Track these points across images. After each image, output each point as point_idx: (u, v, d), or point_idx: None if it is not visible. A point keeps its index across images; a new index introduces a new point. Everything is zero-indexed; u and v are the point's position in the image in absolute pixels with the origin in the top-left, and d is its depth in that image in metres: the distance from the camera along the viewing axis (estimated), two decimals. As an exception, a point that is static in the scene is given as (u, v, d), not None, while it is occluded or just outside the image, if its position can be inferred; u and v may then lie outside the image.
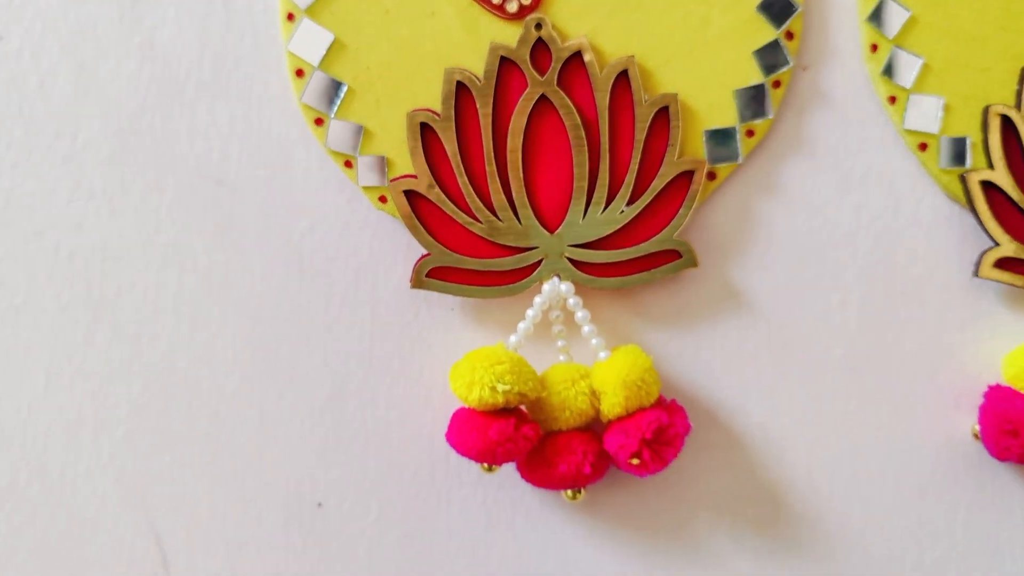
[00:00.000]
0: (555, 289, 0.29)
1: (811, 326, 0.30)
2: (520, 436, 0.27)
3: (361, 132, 0.29)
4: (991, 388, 0.30)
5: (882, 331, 0.30)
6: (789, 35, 0.29)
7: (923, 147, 0.30)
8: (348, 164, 0.29)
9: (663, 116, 0.29)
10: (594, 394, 0.28)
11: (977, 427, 0.30)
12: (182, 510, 0.31)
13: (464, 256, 0.29)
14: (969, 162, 0.30)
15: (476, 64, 0.29)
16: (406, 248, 0.30)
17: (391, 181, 0.29)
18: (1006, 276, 0.29)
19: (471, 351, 0.28)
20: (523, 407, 0.29)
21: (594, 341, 0.29)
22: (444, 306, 0.30)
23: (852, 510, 0.31)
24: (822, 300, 0.30)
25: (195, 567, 0.31)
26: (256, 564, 0.31)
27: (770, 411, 0.30)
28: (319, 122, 0.29)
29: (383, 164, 0.29)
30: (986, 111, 0.29)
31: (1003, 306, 0.30)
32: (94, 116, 0.29)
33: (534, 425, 0.28)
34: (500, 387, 0.27)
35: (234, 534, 0.31)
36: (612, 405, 0.28)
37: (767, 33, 0.29)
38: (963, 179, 0.29)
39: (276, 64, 0.29)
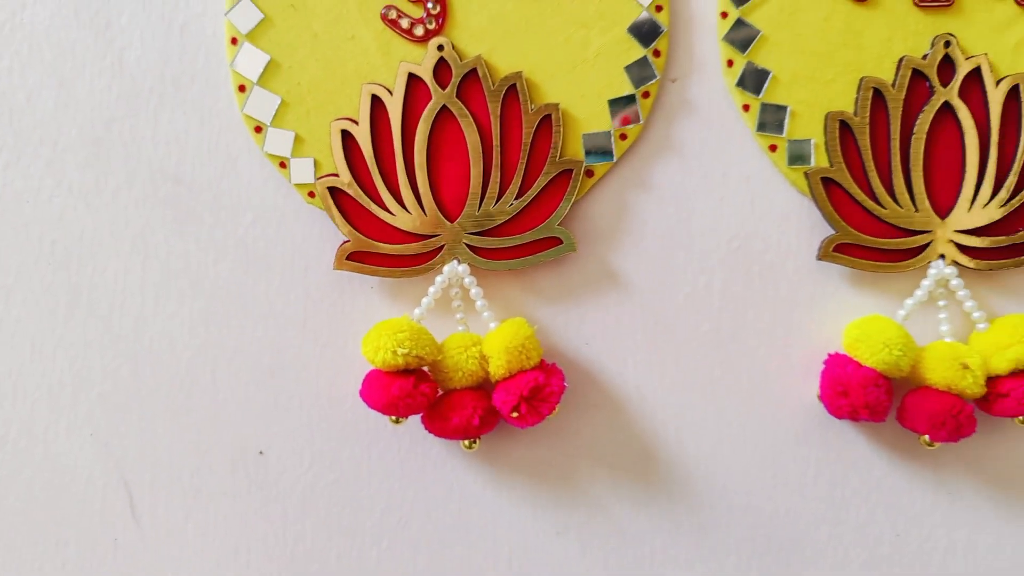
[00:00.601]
0: (454, 270, 0.34)
1: (680, 304, 0.35)
2: (418, 393, 0.33)
3: (293, 138, 0.34)
4: (830, 356, 0.34)
5: (742, 309, 0.35)
6: (656, 53, 0.34)
7: (773, 148, 0.34)
8: (283, 165, 0.34)
9: (547, 122, 0.34)
10: (484, 358, 0.33)
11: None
12: (146, 459, 0.36)
13: (378, 242, 0.34)
14: (813, 161, 0.34)
15: (389, 80, 0.34)
16: (332, 236, 0.35)
17: (318, 179, 0.34)
18: (844, 259, 0.34)
19: (382, 321, 0.33)
20: (425, 369, 0.34)
21: (485, 314, 0.34)
22: (365, 285, 0.35)
23: (716, 464, 0.36)
24: (689, 281, 0.35)
25: (157, 507, 0.36)
26: (208, 504, 0.36)
27: (644, 376, 0.35)
28: (258, 130, 0.34)
29: (312, 165, 0.34)
30: (827, 117, 0.34)
31: (845, 285, 0.35)
32: (72, 126, 0.35)
33: (432, 384, 0.33)
34: (400, 351, 0.32)
35: (190, 479, 0.36)
36: (497, 367, 0.33)
37: (637, 51, 0.34)
38: (807, 176, 0.34)
39: (223, 81, 0.35)
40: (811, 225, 0.35)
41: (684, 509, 0.36)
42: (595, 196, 0.35)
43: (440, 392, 0.34)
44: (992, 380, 0.33)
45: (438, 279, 0.34)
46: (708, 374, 0.35)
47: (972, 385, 0.33)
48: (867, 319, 0.34)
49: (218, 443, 0.36)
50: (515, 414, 0.32)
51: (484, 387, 0.34)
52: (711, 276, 0.35)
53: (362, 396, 0.33)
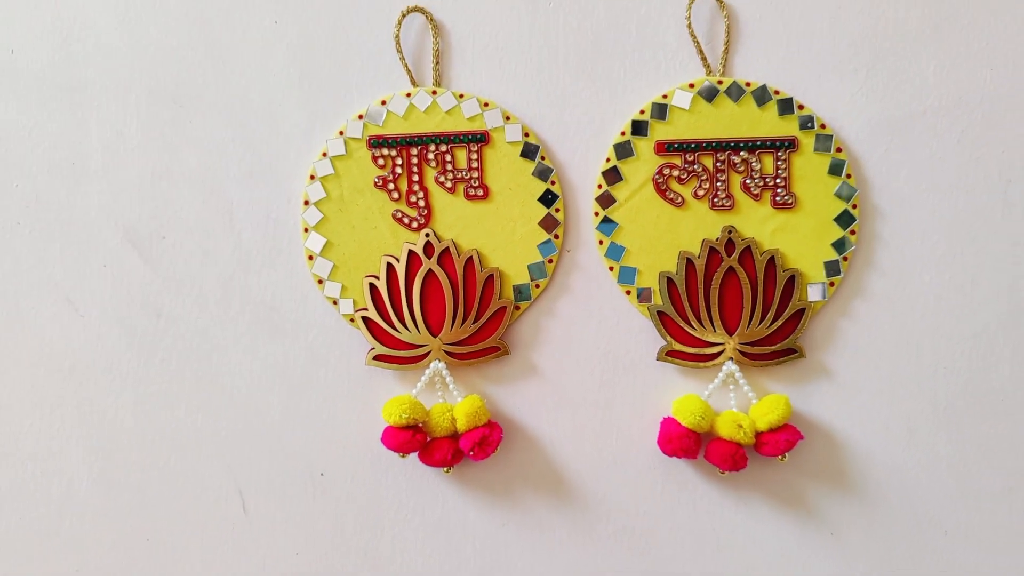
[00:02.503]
0: (436, 367, 0.56)
1: (574, 386, 0.57)
2: (415, 440, 0.55)
3: (340, 287, 0.57)
4: (664, 419, 0.56)
5: (612, 390, 0.57)
6: (556, 236, 0.56)
7: (628, 292, 0.56)
8: (335, 303, 0.57)
9: (491, 279, 0.56)
10: (454, 419, 0.56)
11: (657, 439, 0.56)
12: (254, 476, 0.59)
13: (391, 349, 0.57)
14: (652, 300, 0.56)
15: (397, 252, 0.56)
16: (365, 345, 0.57)
17: (355, 311, 0.57)
18: (673, 360, 0.56)
19: (393, 397, 0.56)
20: (420, 425, 0.56)
21: (455, 392, 0.56)
22: (385, 375, 0.58)
23: (600, 482, 0.57)
24: (579, 372, 0.57)
25: (260, 507, 0.59)
26: (292, 505, 0.59)
27: (554, 430, 0.57)
28: (320, 282, 0.57)
29: (352, 303, 0.57)
30: (660, 275, 0.56)
31: (674, 375, 0.56)
32: (212, 278, 0.58)
33: (423, 434, 0.56)
34: (403, 416, 0.54)
35: (280, 488, 0.59)
36: (461, 425, 0.55)
37: (544, 236, 0.56)
38: (649, 309, 0.56)
39: (300, 252, 0.58)
40: (653, 339, 0.56)
41: (581, 509, 0.58)
42: (522, 321, 0.57)
43: (428, 439, 0.56)
44: (760, 434, 0.55)
45: (427, 371, 0.56)
46: (594, 428, 0.57)
47: (744, 437, 0.54)
48: (685, 397, 0.55)
49: (297, 466, 0.58)
50: (471, 453, 0.55)
51: (454, 436, 0.56)
52: (593, 369, 0.57)
53: (382, 441, 0.56)
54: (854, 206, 0.55)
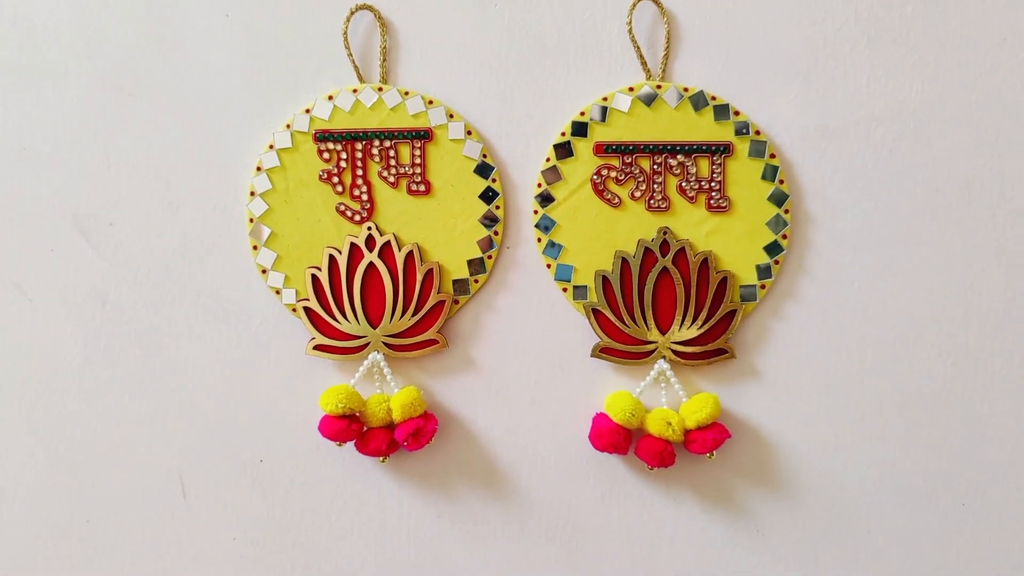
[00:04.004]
0: (375, 358, 0.57)
1: (511, 380, 0.58)
2: (350, 429, 0.56)
3: (284, 277, 0.58)
4: (596, 414, 0.57)
5: (549, 383, 0.58)
6: (496, 232, 0.57)
7: (565, 289, 0.57)
8: (278, 292, 0.58)
9: (431, 273, 0.57)
10: (390, 410, 0.57)
11: (589, 434, 0.57)
12: (194, 463, 0.60)
13: (331, 339, 0.58)
14: (588, 297, 0.57)
15: (340, 245, 0.57)
16: (306, 334, 0.58)
17: (298, 301, 0.58)
18: (607, 357, 0.57)
19: (331, 386, 0.57)
20: (357, 415, 0.57)
21: (393, 384, 0.57)
22: (325, 365, 0.59)
23: (534, 472, 0.58)
24: (515, 364, 0.58)
25: (199, 493, 0.60)
26: (230, 491, 0.60)
27: (490, 422, 0.58)
28: (264, 271, 0.58)
29: (294, 293, 0.58)
30: (596, 273, 0.57)
31: (608, 372, 0.58)
32: (158, 266, 0.59)
33: (360, 424, 0.57)
34: (339, 405, 0.56)
35: (219, 474, 0.60)
36: (396, 415, 0.56)
37: (484, 232, 0.57)
38: (585, 306, 0.57)
39: (245, 242, 0.59)
40: (588, 336, 0.58)
41: (514, 501, 0.59)
42: (460, 315, 0.58)
43: (365, 428, 0.57)
44: (688, 432, 0.56)
45: (365, 362, 0.57)
46: (528, 422, 0.58)
47: (672, 435, 0.55)
48: (617, 393, 0.57)
49: (237, 454, 0.59)
50: (405, 444, 0.56)
51: (390, 427, 0.57)
52: (529, 364, 0.58)
53: (319, 430, 0.57)
54: (786, 211, 0.56)
